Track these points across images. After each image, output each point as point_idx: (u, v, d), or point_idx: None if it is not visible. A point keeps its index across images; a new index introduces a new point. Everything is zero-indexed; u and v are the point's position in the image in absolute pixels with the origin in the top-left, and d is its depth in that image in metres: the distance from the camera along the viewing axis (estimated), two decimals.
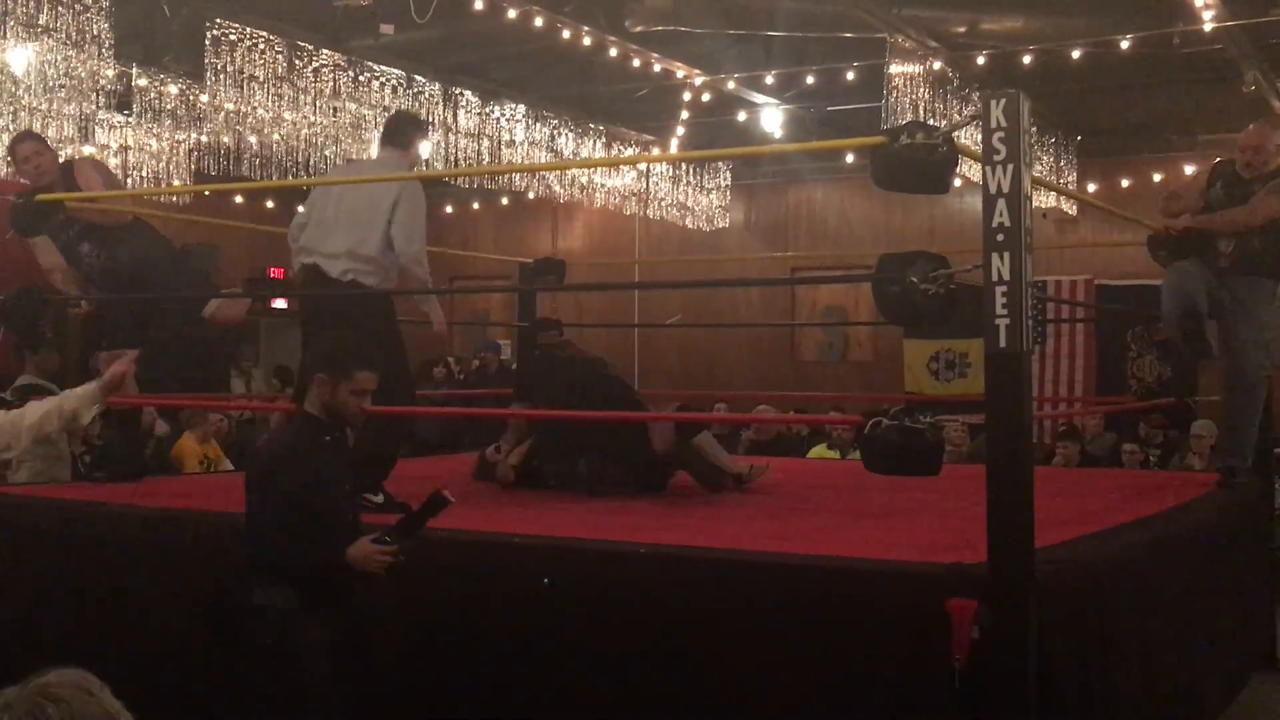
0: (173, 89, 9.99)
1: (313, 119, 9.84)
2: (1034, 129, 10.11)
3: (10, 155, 6.37)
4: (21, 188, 6.62)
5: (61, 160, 6.40)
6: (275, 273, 15.01)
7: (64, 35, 8.15)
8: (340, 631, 3.76)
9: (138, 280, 5.98)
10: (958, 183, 10.36)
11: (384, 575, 3.72)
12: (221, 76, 9.04)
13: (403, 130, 5.77)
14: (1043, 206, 11.88)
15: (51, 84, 8.42)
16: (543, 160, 11.55)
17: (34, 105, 8.82)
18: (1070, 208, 12.32)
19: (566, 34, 9.43)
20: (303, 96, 9.51)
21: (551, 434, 6.07)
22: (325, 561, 3.73)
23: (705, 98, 11.36)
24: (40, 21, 8.03)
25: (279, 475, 3.80)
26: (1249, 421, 6.04)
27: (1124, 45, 9.28)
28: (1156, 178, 12.43)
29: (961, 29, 9.70)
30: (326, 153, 10.26)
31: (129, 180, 10.47)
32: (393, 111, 8.25)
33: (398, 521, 3.81)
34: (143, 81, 9.89)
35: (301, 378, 4.01)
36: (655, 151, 13.11)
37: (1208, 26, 8.81)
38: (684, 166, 13.34)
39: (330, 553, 3.73)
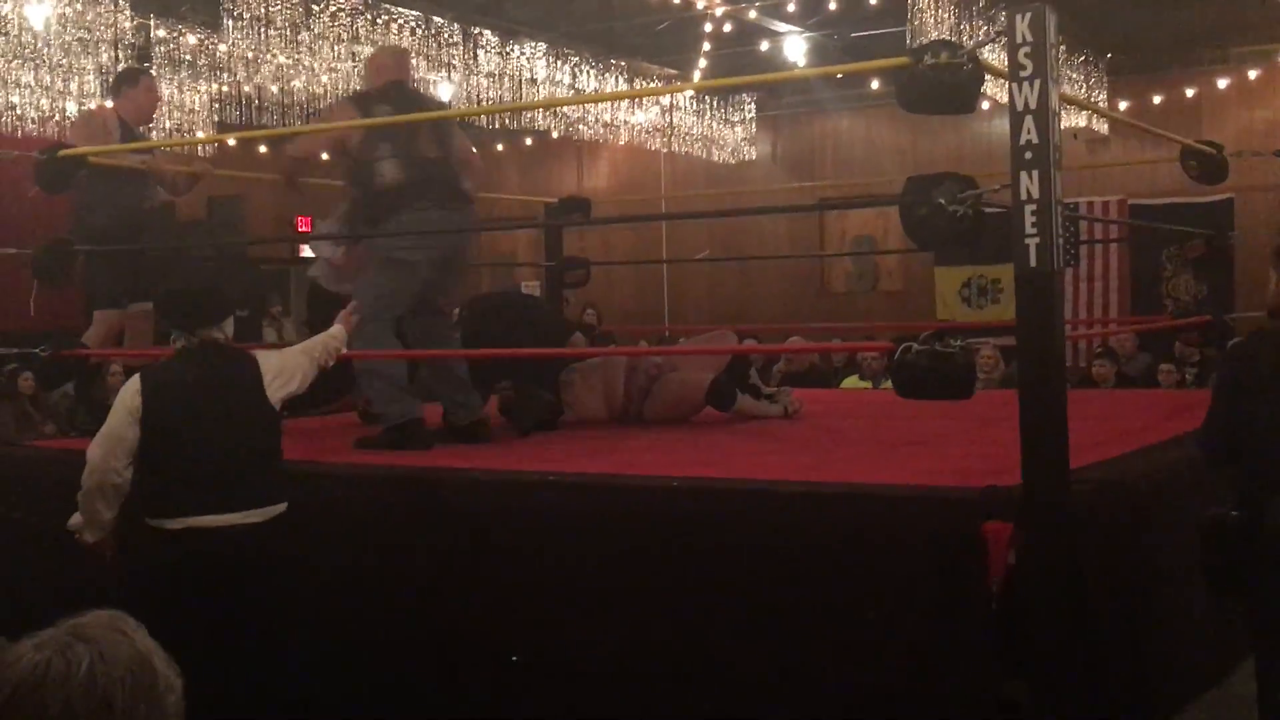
0: (191, 39, 9.95)
1: (332, 64, 9.79)
2: (1062, 45, 9.93)
3: (145, 88, 6.29)
4: (46, 143, 6.63)
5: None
6: (303, 222, 15.00)
7: None
8: None
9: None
10: (985, 105, 10.22)
11: None
12: (239, 25, 8.99)
13: None
14: (1074, 127, 11.70)
15: (71, 38, 8.41)
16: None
17: (55, 60, 8.81)
18: (1101, 127, 12.14)
19: None
20: (321, 42, 9.44)
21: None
22: None
23: (727, 28, 11.22)
24: None
25: None
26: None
27: None
28: (1189, 93, 12.22)
29: None
30: None
31: (152, 133, 10.44)
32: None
33: None
34: (161, 32, 9.85)
35: None
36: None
37: None
38: (708, 100, 13.20)
39: None
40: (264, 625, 3.88)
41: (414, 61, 10.02)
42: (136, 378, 4.04)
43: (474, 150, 5.91)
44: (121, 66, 8.22)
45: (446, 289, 5.66)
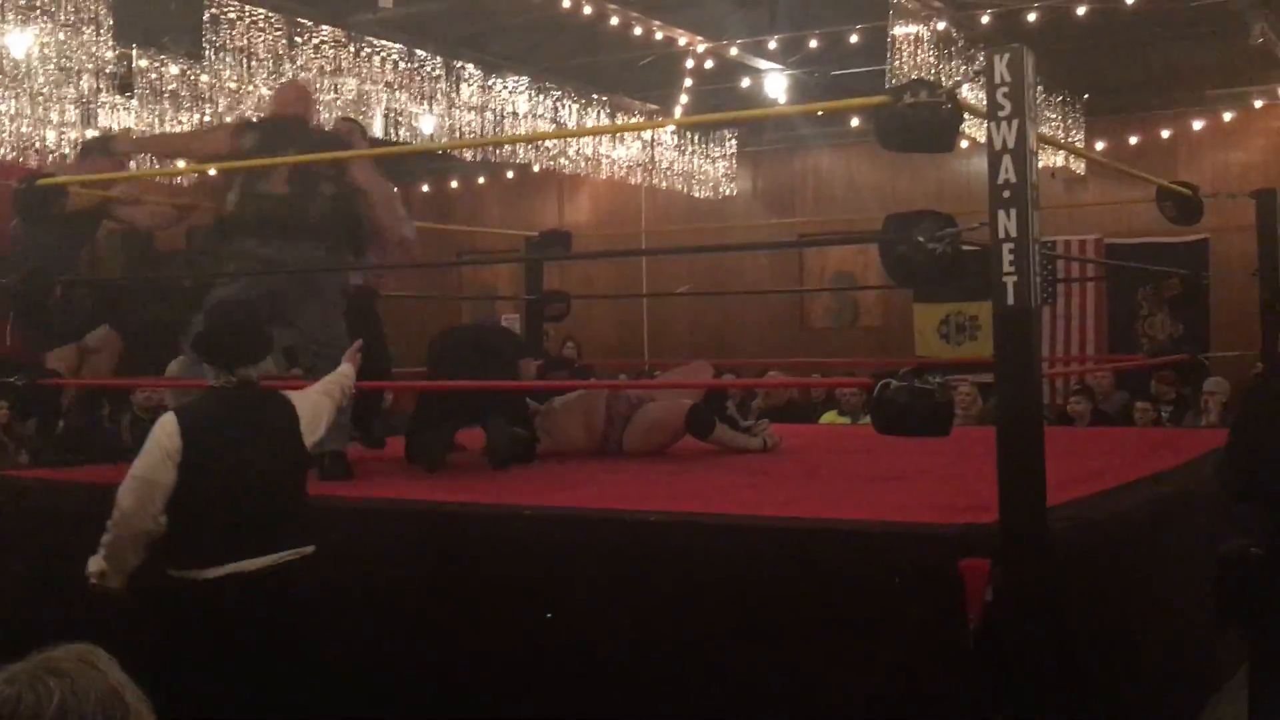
0: (173, 69, 9.95)
1: (315, 96, 9.79)
2: (1040, 86, 10.01)
3: (116, 166, 6.38)
4: (25, 172, 6.62)
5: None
6: None
7: (63, 18, 8.12)
8: None
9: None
10: (965, 145, 10.29)
11: None
12: (222, 55, 9.00)
13: None
14: (1051, 166, 11.80)
15: (52, 67, 8.39)
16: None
17: (36, 89, 8.79)
18: (1078, 167, 12.24)
19: (567, 3, 9.38)
20: (304, 73, 9.46)
21: (425, 406, 5.98)
22: None
23: (708, 65, 11.29)
24: (38, 4, 8.00)
25: None
26: None
27: (1129, 1, 9.18)
28: (1165, 134, 12.34)
29: None
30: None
31: (133, 162, 10.43)
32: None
33: None
34: (143, 63, 9.85)
35: None
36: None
37: None
38: (689, 135, 13.27)
39: None
40: (292, 665, 3.77)
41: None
42: (172, 418, 3.82)
43: (381, 181, 5.85)
44: (89, 137, 8.21)
45: (287, 322, 5.66)
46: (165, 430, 3.76)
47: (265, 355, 4.05)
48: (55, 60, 8.37)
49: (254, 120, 5.64)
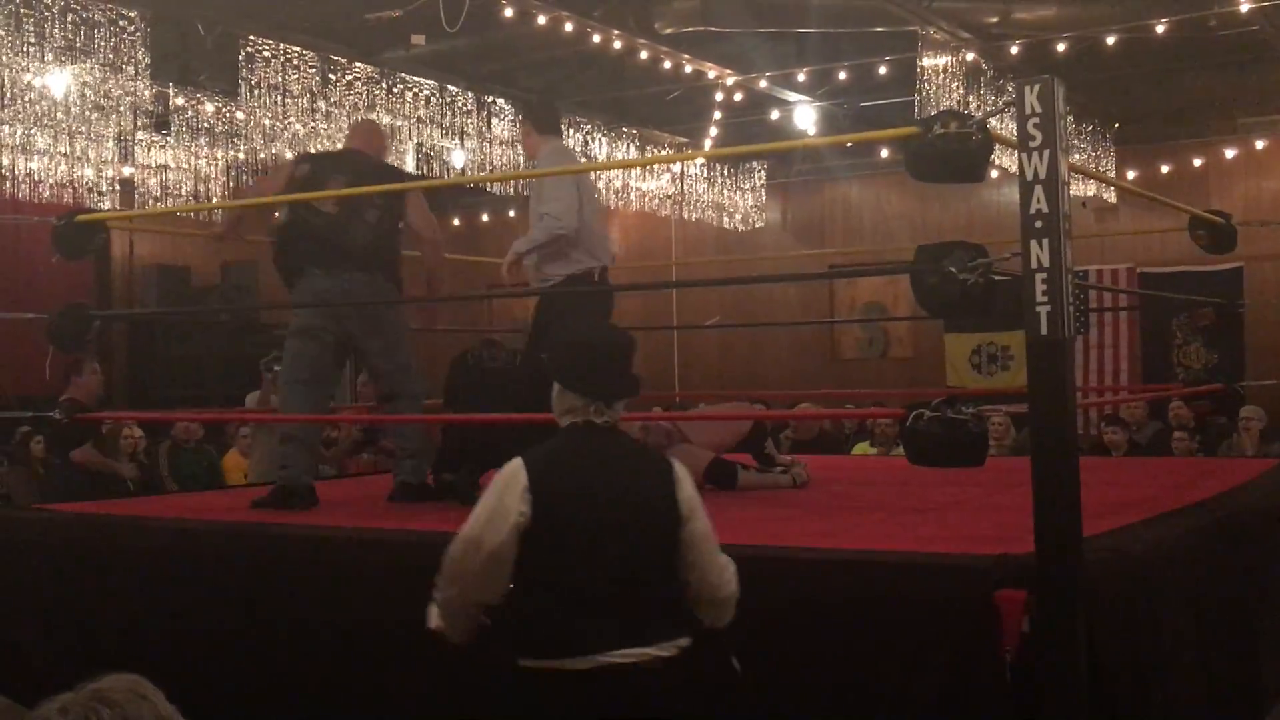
0: (209, 107, 10.09)
1: (348, 131, 9.90)
2: (1070, 116, 10.02)
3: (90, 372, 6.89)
4: (63, 209, 6.71)
5: None
6: None
7: (101, 58, 8.26)
8: None
9: None
10: (994, 174, 10.30)
11: None
12: (256, 93, 9.13)
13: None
14: (1082, 196, 11.77)
15: (90, 105, 8.53)
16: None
17: (75, 127, 8.94)
18: (1110, 196, 12.22)
19: (596, 38, 9.45)
20: (337, 110, 9.57)
21: (447, 444, 5.95)
22: None
23: (737, 97, 11.35)
24: (77, 45, 8.13)
25: None
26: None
27: (1159, 29, 9.19)
28: (1196, 163, 12.31)
29: (993, 19, 9.63)
30: None
31: (169, 199, 10.59)
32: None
33: None
34: (179, 100, 10.00)
35: None
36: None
37: (1244, 7, 8.72)
38: (718, 167, 13.32)
39: None
40: None
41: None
42: (519, 466, 3.05)
43: (432, 223, 6.10)
44: None
45: (369, 353, 5.88)
46: (512, 480, 3.03)
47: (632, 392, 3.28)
48: (93, 98, 8.51)
49: (313, 152, 5.88)
